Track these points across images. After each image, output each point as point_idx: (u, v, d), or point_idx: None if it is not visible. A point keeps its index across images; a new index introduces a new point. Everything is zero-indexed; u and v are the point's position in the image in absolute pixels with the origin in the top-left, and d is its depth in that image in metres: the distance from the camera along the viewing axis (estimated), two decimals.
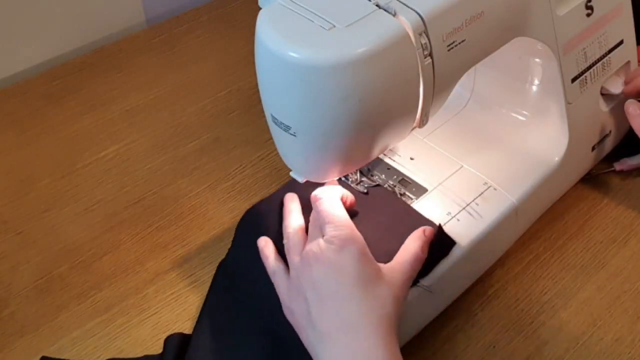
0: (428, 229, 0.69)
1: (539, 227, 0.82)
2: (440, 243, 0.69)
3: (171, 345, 0.70)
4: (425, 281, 0.68)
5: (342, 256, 0.63)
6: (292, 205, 0.72)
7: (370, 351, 0.60)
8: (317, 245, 0.65)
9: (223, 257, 0.80)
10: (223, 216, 0.85)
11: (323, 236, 0.65)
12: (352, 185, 0.76)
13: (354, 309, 0.61)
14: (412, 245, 0.67)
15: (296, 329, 0.65)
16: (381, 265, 0.65)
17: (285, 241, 0.69)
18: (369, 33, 0.58)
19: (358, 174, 0.76)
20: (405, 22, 0.59)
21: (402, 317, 0.64)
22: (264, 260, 0.69)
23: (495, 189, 0.76)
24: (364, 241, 0.65)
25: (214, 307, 0.73)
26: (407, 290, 0.65)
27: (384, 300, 0.62)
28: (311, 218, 0.70)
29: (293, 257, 0.67)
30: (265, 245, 0.70)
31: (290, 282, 0.66)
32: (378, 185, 0.76)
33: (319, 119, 0.60)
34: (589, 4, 0.75)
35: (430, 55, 0.61)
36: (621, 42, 0.81)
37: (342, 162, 0.65)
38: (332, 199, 0.68)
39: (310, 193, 0.70)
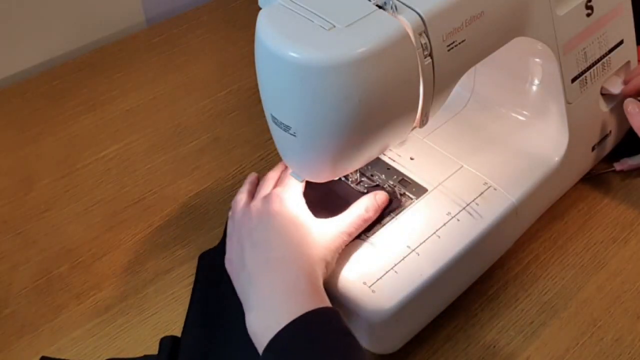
0: (380, 193, 0.72)
1: (539, 227, 0.82)
2: None
3: (165, 346, 0.70)
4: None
5: (273, 204, 0.68)
6: (250, 178, 0.77)
7: (294, 284, 0.62)
8: (258, 200, 0.70)
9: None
10: (223, 216, 0.85)
11: None
12: (352, 185, 0.76)
13: (281, 248, 0.65)
14: (358, 204, 0.71)
15: (232, 278, 0.67)
16: (321, 219, 0.69)
17: (235, 198, 0.73)
18: (369, 33, 0.58)
19: (358, 174, 0.76)
20: (405, 22, 0.59)
21: (404, 318, 0.64)
22: (233, 205, 0.73)
23: (495, 189, 0.76)
24: (300, 196, 0.69)
25: (201, 302, 0.74)
26: (338, 242, 0.67)
27: (310, 243, 0.65)
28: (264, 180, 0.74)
29: (237, 210, 0.71)
30: (248, 190, 0.74)
31: (230, 232, 0.70)
32: (378, 185, 0.76)
33: (319, 119, 0.60)
34: (589, 4, 0.75)
35: (430, 55, 0.61)
36: (621, 42, 0.81)
37: (342, 162, 0.65)
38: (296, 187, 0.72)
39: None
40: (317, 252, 0.65)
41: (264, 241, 0.66)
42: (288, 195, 0.69)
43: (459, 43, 0.62)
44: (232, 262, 0.68)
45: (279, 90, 0.61)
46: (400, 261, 0.70)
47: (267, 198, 0.69)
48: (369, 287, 0.68)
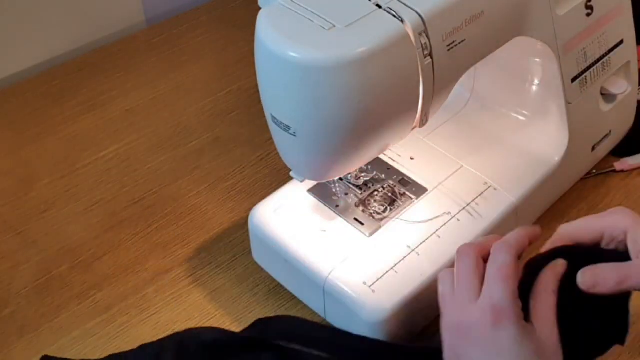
0: (560, 263, 0.58)
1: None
2: (613, 328, 0.59)
3: (172, 342, 0.69)
4: None
5: (499, 335, 0.55)
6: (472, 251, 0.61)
7: None
8: (468, 309, 0.57)
9: (222, 256, 0.80)
10: (223, 216, 0.85)
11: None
12: (351, 180, 0.76)
13: None
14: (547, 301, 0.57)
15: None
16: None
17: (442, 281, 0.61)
18: (369, 33, 0.58)
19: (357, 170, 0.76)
20: (405, 22, 0.59)
21: (403, 318, 0.64)
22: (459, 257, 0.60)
23: (495, 189, 0.76)
24: (520, 312, 0.56)
25: None
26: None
27: None
28: (470, 264, 0.60)
29: (450, 305, 0.59)
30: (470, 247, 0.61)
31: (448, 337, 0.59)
32: (374, 178, 0.76)
33: (319, 119, 0.60)
34: (589, 3, 0.75)
35: (430, 55, 0.61)
36: (621, 42, 0.81)
37: (342, 162, 0.65)
38: (509, 258, 0.58)
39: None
40: None
41: None
42: (507, 316, 0.55)
43: (459, 43, 0.62)
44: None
45: (279, 90, 0.61)
46: (400, 261, 0.70)
47: (495, 317, 0.55)
48: (369, 286, 0.68)
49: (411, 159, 0.80)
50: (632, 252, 0.56)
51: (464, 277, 0.59)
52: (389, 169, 0.78)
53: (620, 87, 0.82)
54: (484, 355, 0.55)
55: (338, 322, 0.71)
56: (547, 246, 0.61)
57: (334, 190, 0.76)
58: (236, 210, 0.86)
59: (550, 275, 0.58)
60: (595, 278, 0.56)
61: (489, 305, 0.56)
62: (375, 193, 0.76)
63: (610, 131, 0.85)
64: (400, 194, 0.76)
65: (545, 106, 0.80)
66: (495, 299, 0.56)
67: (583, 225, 0.60)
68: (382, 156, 0.79)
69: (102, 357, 0.71)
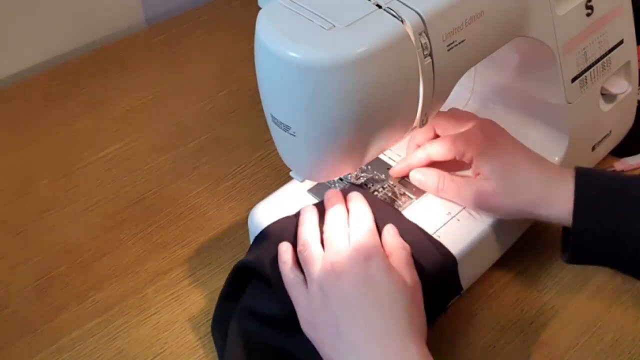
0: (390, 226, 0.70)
1: (540, 227, 0.81)
2: (446, 285, 0.69)
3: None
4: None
5: (370, 268, 0.63)
6: (308, 215, 0.70)
7: (404, 357, 0.59)
8: (339, 254, 0.64)
9: (222, 256, 0.80)
10: (223, 216, 0.85)
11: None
12: (351, 180, 0.76)
13: (387, 319, 0.61)
14: (396, 241, 0.68)
15: (316, 343, 0.64)
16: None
17: (300, 249, 0.67)
18: (369, 33, 0.58)
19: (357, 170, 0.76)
20: (405, 22, 0.59)
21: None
22: (280, 265, 0.67)
23: None
24: (407, 251, 0.66)
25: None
26: (420, 291, 0.65)
27: (410, 308, 0.62)
28: (329, 220, 0.68)
29: (312, 268, 0.65)
30: (286, 250, 0.68)
31: (311, 294, 0.64)
32: (374, 177, 0.77)
33: (319, 119, 0.60)
34: (589, 3, 0.75)
35: (430, 55, 0.61)
36: (621, 42, 0.81)
37: (342, 162, 0.65)
38: (361, 201, 0.69)
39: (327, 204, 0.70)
40: (417, 313, 0.63)
41: (367, 311, 0.61)
42: (376, 252, 0.64)
43: (459, 43, 0.62)
44: (316, 327, 0.63)
45: (278, 90, 0.61)
46: None
47: (365, 258, 0.63)
48: None
49: None
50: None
51: (334, 224, 0.68)
52: (389, 169, 0.78)
53: (620, 87, 0.82)
54: (357, 288, 0.62)
55: None
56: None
57: None
58: (236, 210, 0.86)
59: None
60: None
61: (359, 243, 0.65)
62: (375, 193, 0.76)
63: (610, 131, 0.85)
64: (400, 194, 0.76)
65: (545, 106, 0.80)
66: (364, 239, 0.65)
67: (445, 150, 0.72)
68: (382, 156, 0.79)
69: (101, 357, 0.72)
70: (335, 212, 0.69)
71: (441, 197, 0.74)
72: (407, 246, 0.67)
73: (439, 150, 0.73)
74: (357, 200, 0.70)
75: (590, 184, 0.66)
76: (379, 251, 0.65)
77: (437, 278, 0.68)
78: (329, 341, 0.62)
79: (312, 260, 0.65)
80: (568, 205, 0.66)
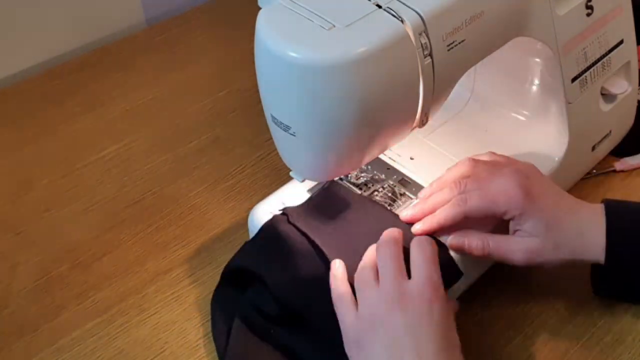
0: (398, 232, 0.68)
1: None
2: (447, 272, 0.69)
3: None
4: None
5: (431, 312, 0.62)
6: (372, 249, 0.68)
7: None
8: (401, 287, 0.63)
9: (222, 256, 0.80)
10: (223, 216, 0.85)
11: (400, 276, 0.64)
12: (351, 180, 0.76)
13: (437, 349, 0.61)
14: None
15: None
16: None
17: (360, 271, 0.66)
18: (369, 33, 0.58)
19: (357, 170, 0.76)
20: (405, 22, 0.59)
21: None
22: (332, 279, 0.66)
23: None
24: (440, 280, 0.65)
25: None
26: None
27: (452, 337, 0.63)
28: (388, 252, 0.66)
29: (367, 291, 0.64)
30: (339, 267, 0.67)
31: (361, 316, 0.63)
32: (374, 177, 0.76)
33: (319, 119, 0.60)
34: (589, 3, 0.75)
35: (430, 55, 0.61)
36: (621, 42, 0.81)
37: (342, 162, 0.65)
38: (426, 245, 0.66)
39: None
40: (456, 336, 0.64)
41: (411, 346, 0.61)
42: (441, 299, 0.63)
43: (459, 43, 0.62)
44: (363, 348, 0.62)
45: (278, 90, 0.61)
46: None
47: (431, 295, 0.62)
48: None
49: (411, 159, 0.80)
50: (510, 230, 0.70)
51: (393, 261, 0.65)
52: (389, 169, 0.78)
53: (620, 87, 0.83)
54: (412, 325, 0.61)
55: None
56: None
57: None
58: (236, 210, 0.86)
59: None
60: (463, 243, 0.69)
61: (428, 281, 0.63)
62: (375, 193, 0.76)
63: (610, 131, 0.85)
64: (400, 194, 0.76)
65: (545, 106, 0.80)
66: (433, 277, 0.63)
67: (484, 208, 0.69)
68: (382, 156, 0.79)
69: (101, 357, 0.72)
70: (396, 254, 0.66)
71: (486, 259, 0.71)
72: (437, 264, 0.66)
73: (476, 207, 0.68)
74: (424, 246, 0.66)
75: (620, 219, 0.68)
76: (443, 298, 0.63)
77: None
78: None
79: (367, 283, 0.64)
80: (601, 241, 0.67)
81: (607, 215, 0.68)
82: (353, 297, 0.65)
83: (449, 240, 0.70)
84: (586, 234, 0.68)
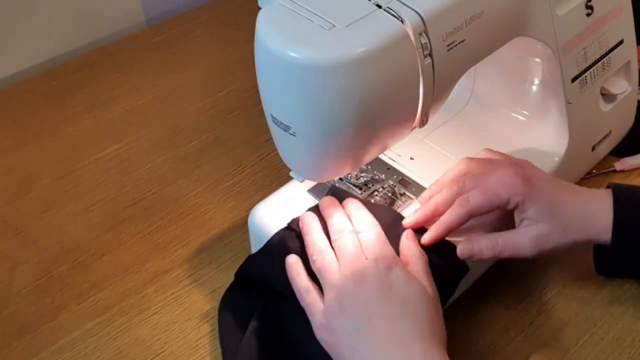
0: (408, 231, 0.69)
1: None
2: (454, 267, 0.69)
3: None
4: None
5: (392, 276, 0.64)
6: (313, 224, 0.69)
7: None
8: (359, 263, 0.65)
9: (222, 256, 0.80)
10: (223, 216, 0.85)
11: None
12: (351, 180, 0.76)
13: (410, 323, 0.62)
14: (414, 249, 0.67)
15: (331, 346, 0.64)
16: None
17: (315, 258, 0.67)
18: (369, 33, 0.58)
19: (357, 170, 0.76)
20: (405, 22, 0.59)
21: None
22: (294, 276, 0.67)
23: None
24: (425, 262, 0.67)
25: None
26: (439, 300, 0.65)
27: (432, 314, 0.63)
28: (335, 227, 0.68)
29: (329, 275, 0.65)
30: (296, 262, 0.68)
31: (328, 301, 0.64)
32: (374, 178, 0.76)
33: (319, 119, 0.60)
34: (589, 3, 0.75)
35: (430, 55, 0.61)
36: (621, 42, 0.81)
37: (342, 162, 0.65)
38: (360, 207, 0.69)
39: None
40: (437, 320, 0.63)
41: (390, 315, 0.62)
42: (395, 261, 0.65)
43: (459, 43, 0.62)
44: (334, 332, 0.63)
45: (278, 90, 0.61)
46: None
47: (386, 267, 0.64)
48: None
49: (411, 159, 0.80)
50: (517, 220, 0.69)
51: (342, 232, 0.68)
52: (389, 169, 0.78)
53: (620, 87, 0.83)
54: (379, 295, 0.63)
55: None
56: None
57: None
58: (236, 210, 0.86)
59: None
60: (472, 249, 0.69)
61: (376, 252, 0.65)
62: (375, 193, 0.76)
63: (610, 131, 0.85)
64: (400, 194, 0.76)
65: (545, 106, 0.80)
66: (382, 252, 0.65)
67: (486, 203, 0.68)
68: (382, 156, 0.79)
69: (101, 357, 0.72)
70: (339, 219, 0.69)
71: (497, 259, 0.71)
72: (425, 254, 0.67)
73: (479, 203, 0.68)
74: (356, 205, 0.70)
75: (627, 199, 0.69)
76: (398, 260, 0.65)
77: (443, 262, 0.68)
78: (348, 344, 0.62)
79: (328, 269, 0.65)
80: (607, 222, 0.68)
81: (615, 196, 0.69)
82: (317, 287, 0.66)
83: (458, 252, 0.69)
84: (591, 215, 0.69)
